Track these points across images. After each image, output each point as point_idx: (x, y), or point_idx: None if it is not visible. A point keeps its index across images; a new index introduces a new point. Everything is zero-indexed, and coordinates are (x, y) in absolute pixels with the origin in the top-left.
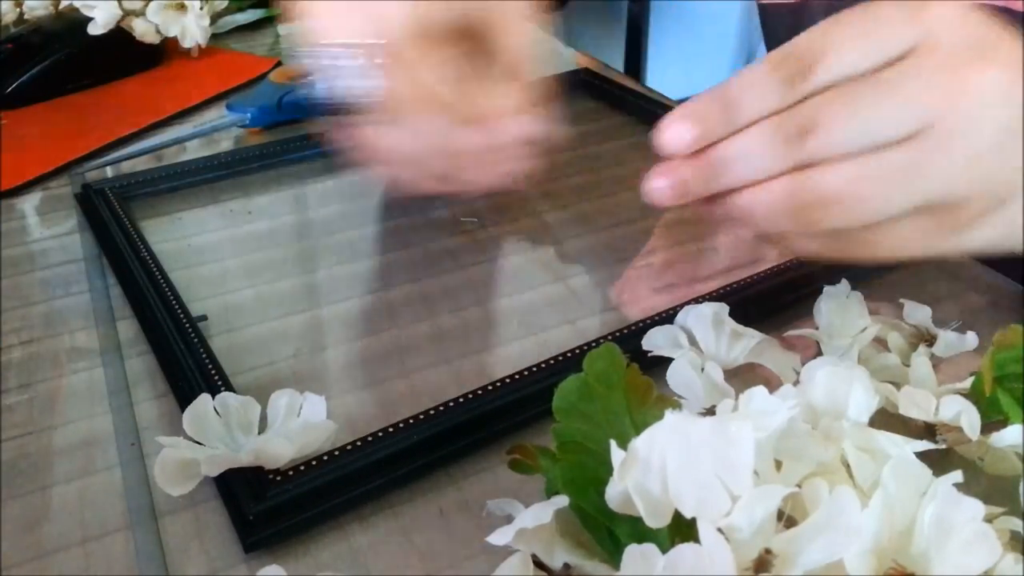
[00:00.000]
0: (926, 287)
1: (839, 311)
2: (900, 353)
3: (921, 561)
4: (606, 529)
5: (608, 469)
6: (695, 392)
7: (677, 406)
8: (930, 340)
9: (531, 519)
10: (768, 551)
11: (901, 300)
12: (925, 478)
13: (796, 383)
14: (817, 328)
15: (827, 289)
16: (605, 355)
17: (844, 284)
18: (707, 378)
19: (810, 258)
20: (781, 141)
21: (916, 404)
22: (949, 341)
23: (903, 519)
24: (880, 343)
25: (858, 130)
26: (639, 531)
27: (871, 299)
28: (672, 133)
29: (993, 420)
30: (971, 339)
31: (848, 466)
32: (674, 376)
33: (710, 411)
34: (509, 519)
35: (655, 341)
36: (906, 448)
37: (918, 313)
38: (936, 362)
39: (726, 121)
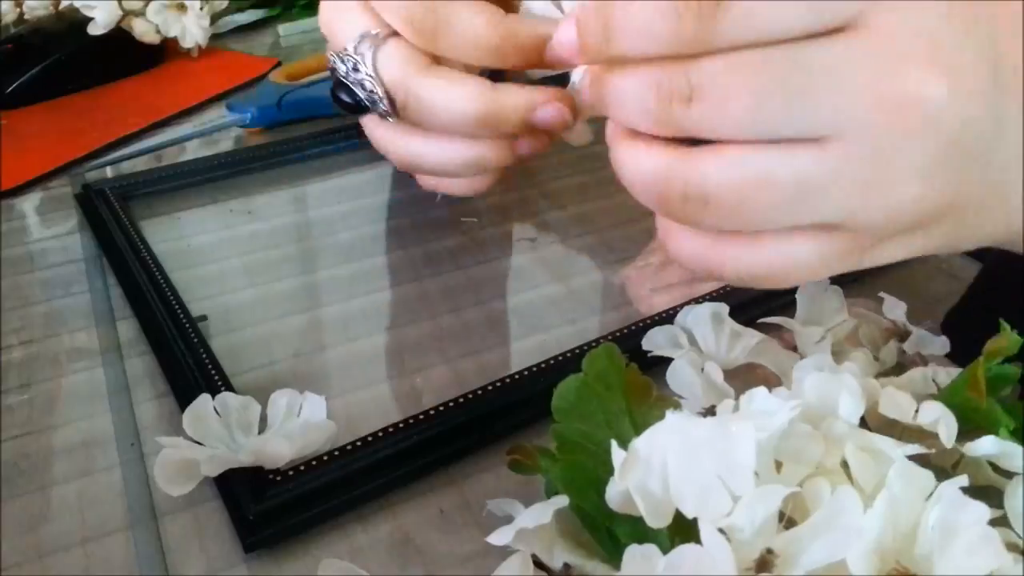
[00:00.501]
0: (926, 287)
1: (815, 303)
2: (872, 346)
3: (924, 563)
4: (606, 529)
5: (608, 469)
6: (695, 392)
7: (677, 406)
8: (903, 336)
9: (531, 519)
10: (769, 551)
11: (880, 294)
12: (929, 480)
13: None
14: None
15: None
16: (605, 355)
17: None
18: (707, 378)
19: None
20: (662, 99)
21: (897, 405)
22: (920, 338)
23: (907, 520)
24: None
25: (757, 116)
26: (639, 531)
27: (862, 295)
28: (564, 33)
29: (970, 428)
30: (942, 343)
31: (848, 467)
32: (674, 376)
33: (710, 411)
34: (509, 519)
35: (655, 341)
36: (898, 451)
37: (895, 309)
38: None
39: (603, 45)
